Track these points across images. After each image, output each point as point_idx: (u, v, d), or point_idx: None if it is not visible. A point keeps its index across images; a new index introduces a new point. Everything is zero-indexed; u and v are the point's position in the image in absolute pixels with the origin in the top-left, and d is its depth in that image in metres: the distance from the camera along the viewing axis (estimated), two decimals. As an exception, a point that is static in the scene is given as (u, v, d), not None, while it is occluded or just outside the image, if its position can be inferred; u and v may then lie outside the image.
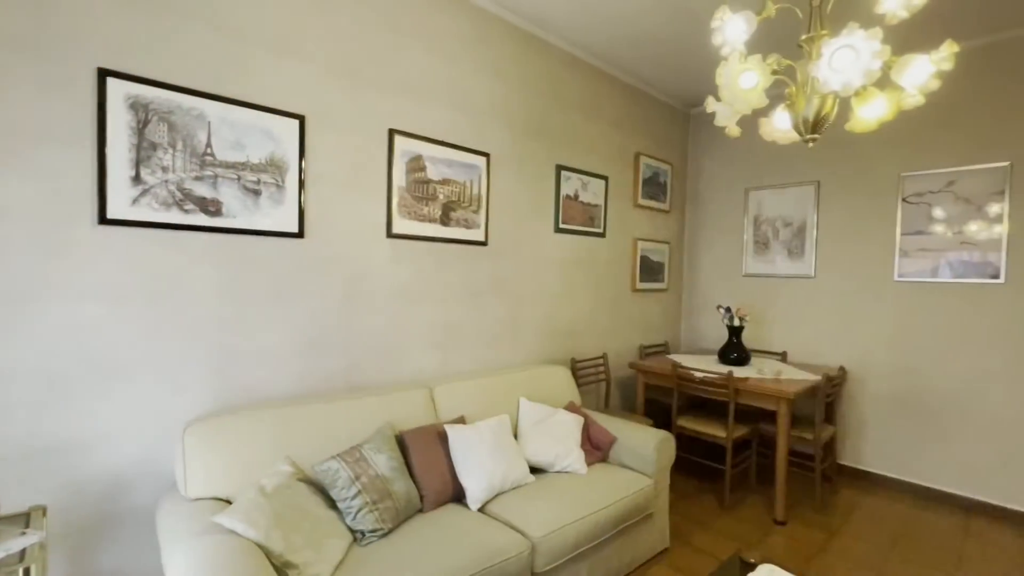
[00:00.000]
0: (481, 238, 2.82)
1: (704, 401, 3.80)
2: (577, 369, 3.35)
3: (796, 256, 3.76)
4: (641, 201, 3.90)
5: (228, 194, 1.93)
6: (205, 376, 1.91)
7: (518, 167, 3.01)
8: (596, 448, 2.57)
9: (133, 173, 1.73)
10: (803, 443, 3.03)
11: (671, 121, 4.23)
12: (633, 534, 2.28)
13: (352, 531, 1.73)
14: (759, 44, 2.99)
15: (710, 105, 1.75)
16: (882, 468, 3.37)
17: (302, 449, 1.86)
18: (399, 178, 2.44)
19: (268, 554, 1.42)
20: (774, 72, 1.48)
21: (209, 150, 1.89)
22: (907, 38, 2.94)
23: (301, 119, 2.10)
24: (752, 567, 1.72)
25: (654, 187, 4.03)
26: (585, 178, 3.43)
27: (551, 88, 3.18)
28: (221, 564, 1.27)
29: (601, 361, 3.55)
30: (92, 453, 1.70)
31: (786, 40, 2.91)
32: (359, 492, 1.75)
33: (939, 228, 3.14)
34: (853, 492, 3.25)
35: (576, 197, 3.38)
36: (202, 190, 1.87)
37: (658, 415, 3.64)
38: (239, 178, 1.96)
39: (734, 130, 1.75)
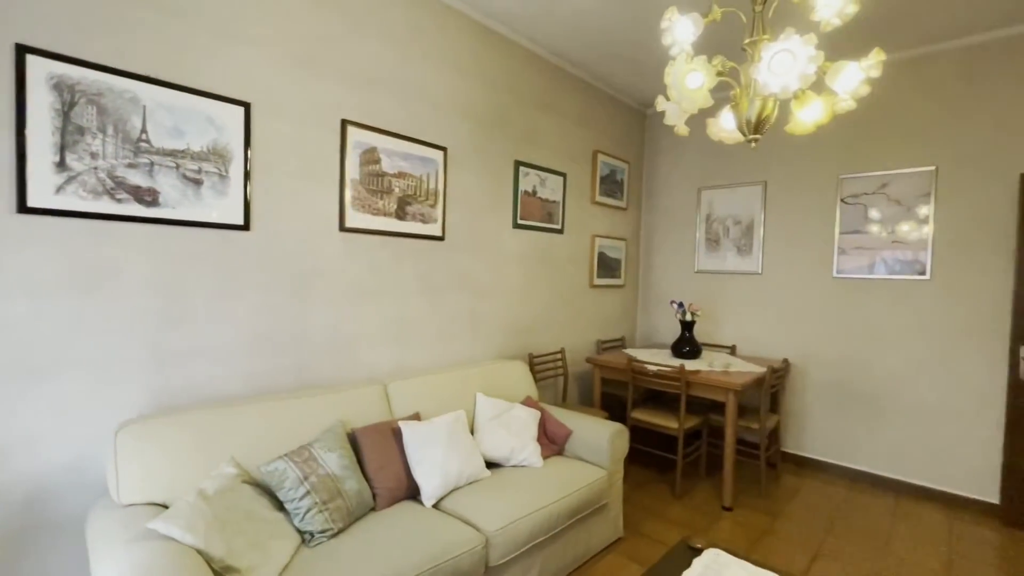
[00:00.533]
0: (438, 233, 2.79)
1: (658, 394, 3.91)
2: (535, 364, 3.38)
3: (745, 253, 3.91)
4: (599, 198, 3.96)
5: (166, 183, 1.83)
6: (141, 375, 1.81)
7: (476, 162, 3.00)
8: (552, 442, 2.60)
9: (57, 159, 1.61)
10: (750, 432, 3.16)
11: (628, 120, 4.31)
12: (587, 525, 2.32)
13: (301, 532, 1.68)
14: (708, 46, 3.08)
15: (660, 104, 1.79)
16: (821, 454, 3.57)
17: (248, 450, 1.79)
18: (352, 170, 2.38)
19: (208, 559, 1.36)
20: (719, 73, 1.53)
21: (144, 136, 1.78)
22: (844, 46, 3.10)
23: (246, 106, 2.02)
24: (698, 552, 1.78)
25: (611, 185, 4.10)
26: (543, 174, 3.45)
27: (510, 84, 3.18)
28: (154, 572, 1.21)
29: (559, 356, 3.59)
30: (11, 458, 1.58)
31: (732, 43, 3.02)
32: (308, 492, 1.70)
33: (874, 228, 3.34)
34: (795, 478, 3.42)
35: (534, 193, 3.40)
36: (136, 178, 1.77)
37: (614, 408, 3.72)
38: (178, 166, 1.86)
39: (683, 129, 1.80)
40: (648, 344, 4.46)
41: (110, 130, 1.71)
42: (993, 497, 2.93)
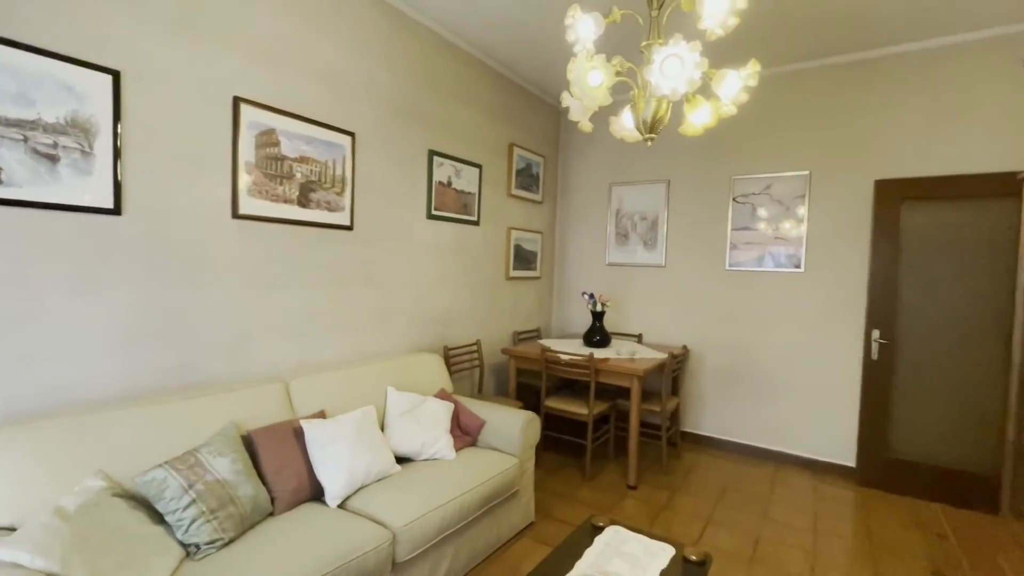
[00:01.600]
0: (346, 222, 2.67)
1: (571, 382, 4.05)
2: (450, 356, 3.36)
3: (651, 247, 4.15)
4: (515, 191, 4.00)
5: (10, 158, 1.58)
6: (-18, 381, 1.57)
7: (388, 149, 2.90)
8: (466, 433, 2.60)
9: None
10: (653, 415, 3.37)
11: (543, 115, 4.38)
12: (499, 513, 2.36)
13: (185, 545, 1.54)
14: (610, 46, 3.21)
15: (564, 100, 1.83)
16: (715, 432, 3.90)
17: (121, 460, 1.61)
18: (247, 153, 2.21)
19: (65, 585, 1.21)
20: (617, 73, 1.59)
21: (-20, 102, 1.52)
22: (732, 56, 3.37)
23: (115, 75, 1.79)
24: (600, 530, 1.87)
25: (527, 178, 4.16)
26: (459, 165, 3.42)
27: (423, 70, 3.10)
28: (-8, 605, 1.05)
29: (475, 348, 3.60)
30: None
31: (632, 44, 3.17)
32: (193, 501, 1.57)
33: (761, 225, 3.68)
34: (692, 454, 3.71)
35: (449, 184, 3.36)
36: (-30, 151, 1.51)
37: (529, 398, 3.80)
38: (26, 139, 1.61)
39: (586, 125, 1.85)
40: (563, 335, 4.60)
41: (-68, 92, 1.44)
42: (851, 461, 3.37)
